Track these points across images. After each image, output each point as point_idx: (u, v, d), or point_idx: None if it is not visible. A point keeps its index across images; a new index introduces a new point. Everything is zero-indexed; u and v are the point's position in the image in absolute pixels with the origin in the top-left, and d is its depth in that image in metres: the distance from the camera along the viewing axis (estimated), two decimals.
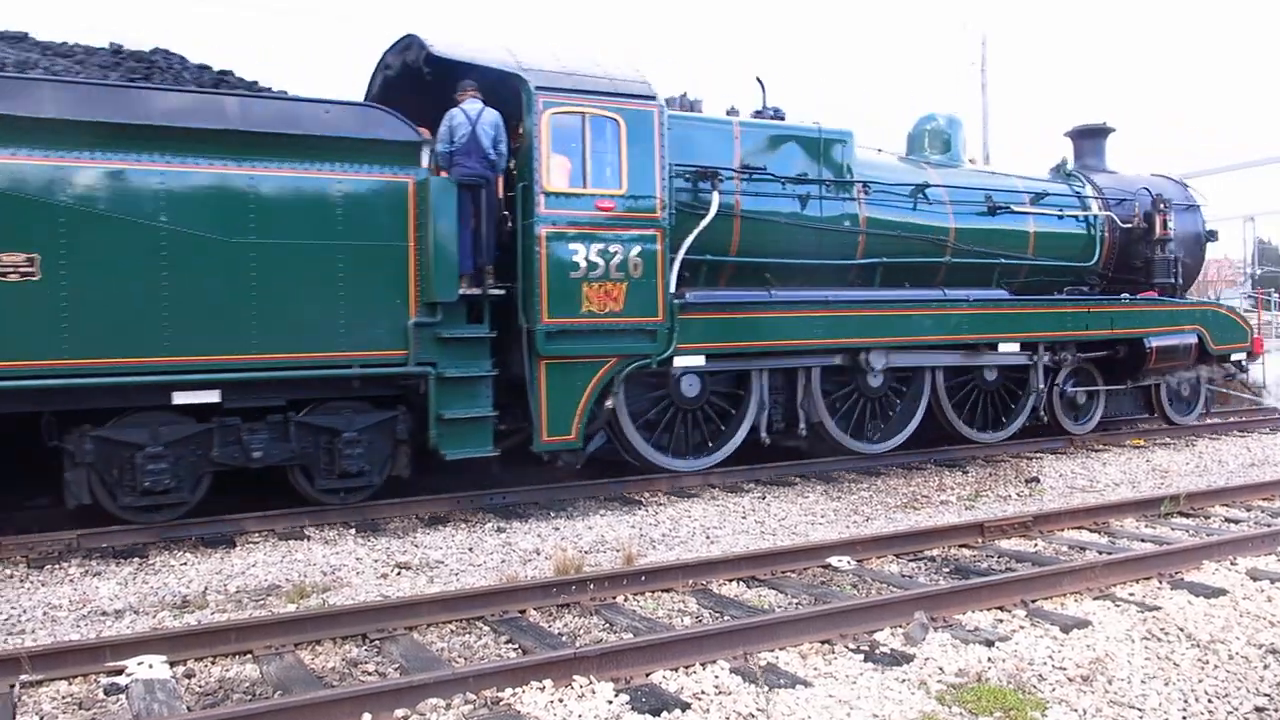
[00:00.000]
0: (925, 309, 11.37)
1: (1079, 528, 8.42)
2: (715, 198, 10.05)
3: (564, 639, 5.66)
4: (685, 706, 4.49)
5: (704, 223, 9.92)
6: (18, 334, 7.42)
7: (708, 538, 8.32)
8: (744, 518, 8.96)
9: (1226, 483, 10.41)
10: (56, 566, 7.33)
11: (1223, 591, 6.21)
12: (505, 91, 9.13)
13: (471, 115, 8.86)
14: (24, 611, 6.36)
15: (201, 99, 8.41)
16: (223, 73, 9.98)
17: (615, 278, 9.18)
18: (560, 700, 4.55)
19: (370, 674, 5.25)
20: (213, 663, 5.39)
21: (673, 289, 9.59)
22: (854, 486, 10.36)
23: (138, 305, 7.73)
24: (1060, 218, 13.10)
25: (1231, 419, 15.51)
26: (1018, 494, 10.15)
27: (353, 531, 8.36)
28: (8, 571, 7.24)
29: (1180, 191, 14.50)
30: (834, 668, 5.01)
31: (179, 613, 6.33)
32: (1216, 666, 5.10)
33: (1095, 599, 6.15)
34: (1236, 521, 8.69)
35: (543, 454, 9.46)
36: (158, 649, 5.31)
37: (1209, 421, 14.94)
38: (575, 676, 4.76)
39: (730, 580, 6.84)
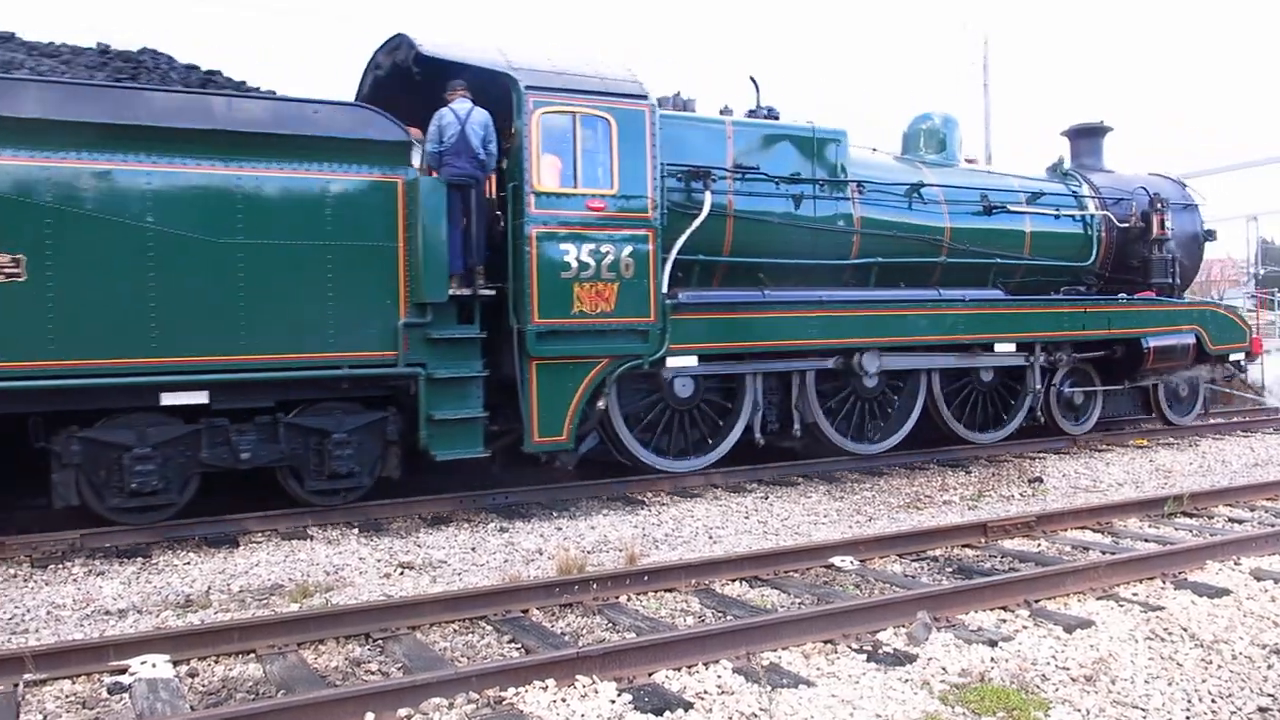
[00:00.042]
0: (920, 309, 11.33)
1: (1082, 528, 8.41)
2: (708, 197, 10.01)
3: (567, 639, 5.66)
4: (688, 706, 4.49)
5: (696, 223, 9.87)
6: (3, 335, 7.39)
7: (710, 538, 8.32)
8: (747, 518, 8.96)
9: (1230, 483, 10.40)
10: (60, 566, 7.34)
11: (1226, 591, 6.20)
12: (496, 91, 9.09)
13: (461, 115, 8.83)
14: (28, 611, 6.37)
15: (188, 99, 8.37)
16: (210, 72, 9.94)
17: (607, 278, 9.15)
18: (563, 700, 4.55)
19: (373, 673, 5.26)
20: (216, 662, 5.40)
21: (665, 289, 9.54)
22: (857, 486, 10.36)
23: (125, 306, 7.69)
24: (1057, 217, 13.06)
25: (1235, 419, 15.49)
26: (1021, 494, 10.14)
27: (355, 531, 8.37)
28: (11, 571, 7.25)
29: (1178, 191, 14.44)
30: (837, 668, 5.00)
31: (182, 612, 6.34)
32: (1220, 667, 5.09)
33: (1098, 599, 6.14)
34: (1240, 521, 8.68)
35: (540, 455, 9.45)
36: (161, 648, 5.31)
37: (1212, 421, 14.93)
38: (578, 676, 4.76)
39: (733, 580, 6.84)
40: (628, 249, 9.24)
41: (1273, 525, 8.32)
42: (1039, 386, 12.31)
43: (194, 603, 6.54)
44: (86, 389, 7.67)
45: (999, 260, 12.43)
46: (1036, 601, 6.04)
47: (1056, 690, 4.75)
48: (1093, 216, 13.37)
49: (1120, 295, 13.08)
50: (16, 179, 7.42)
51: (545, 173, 8.97)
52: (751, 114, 11.28)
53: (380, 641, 5.66)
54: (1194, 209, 14.48)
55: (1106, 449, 12.64)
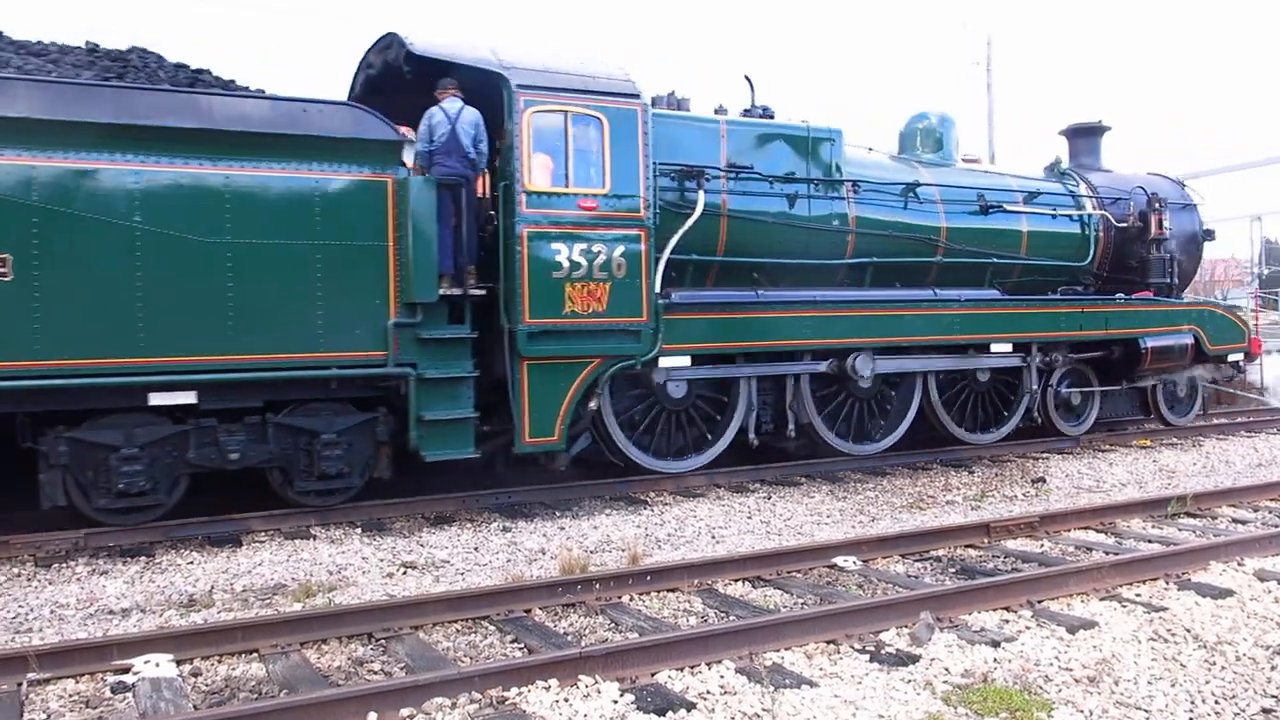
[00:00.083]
0: (916, 309, 11.27)
1: (1085, 528, 8.40)
2: (701, 197, 9.95)
3: (569, 638, 5.66)
4: (690, 706, 4.49)
5: (689, 222, 9.82)
6: None
7: (713, 537, 8.32)
8: (749, 517, 8.95)
9: (1234, 483, 10.39)
10: (64, 565, 7.35)
11: (1230, 592, 6.20)
12: (489, 90, 9.05)
13: (451, 114, 8.80)
14: (31, 610, 6.38)
15: (176, 98, 8.30)
16: (198, 71, 9.89)
17: (599, 278, 9.10)
18: (565, 700, 4.55)
19: (376, 673, 5.26)
20: (219, 661, 5.40)
21: (658, 289, 9.49)
22: (859, 486, 10.35)
23: (112, 306, 7.64)
24: (1054, 217, 12.99)
25: (1239, 419, 15.46)
26: (1024, 494, 10.14)
27: (358, 531, 8.37)
28: (15, 570, 7.26)
29: (1177, 190, 14.36)
30: (839, 668, 5.00)
31: (185, 611, 6.34)
32: (1224, 668, 5.08)
33: (1102, 600, 6.13)
34: (1244, 522, 8.67)
35: (539, 457, 9.41)
36: (164, 648, 5.32)
37: (1216, 422, 14.90)
38: (580, 676, 4.77)
39: (736, 580, 6.84)
40: (620, 249, 9.19)
41: (1277, 526, 8.32)
42: (1036, 387, 12.26)
43: (197, 602, 6.55)
44: (73, 389, 7.62)
45: (995, 260, 12.36)
46: (1040, 602, 6.04)
47: (1059, 691, 4.75)
48: (1090, 216, 13.31)
49: (1118, 295, 13.01)
50: (2, 178, 7.37)
51: (536, 172, 8.92)
52: (746, 113, 11.22)
53: (383, 641, 5.66)
54: (1193, 208, 14.39)
55: (1110, 449, 12.63)
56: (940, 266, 11.98)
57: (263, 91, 9.71)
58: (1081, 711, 4.53)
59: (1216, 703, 4.68)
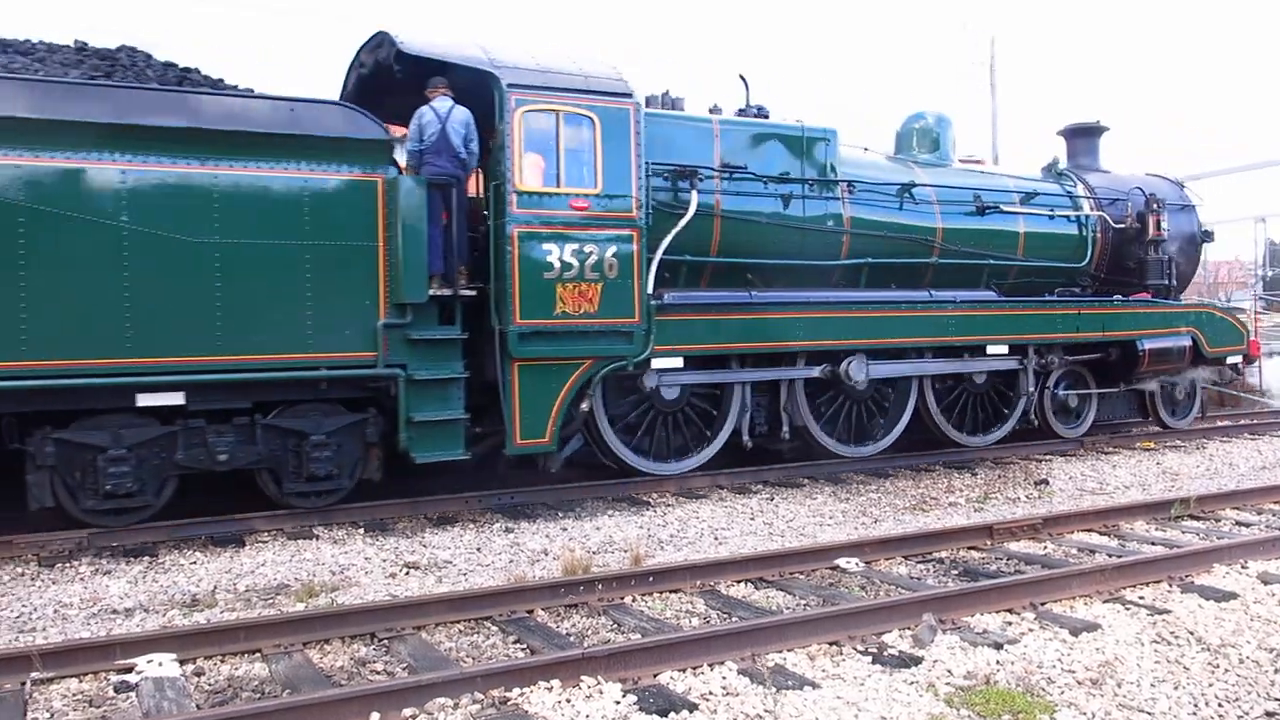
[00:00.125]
0: (911, 310, 11.22)
1: (1088, 530, 8.39)
2: (694, 197, 9.90)
3: (572, 639, 5.67)
4: (693, 707, 4.50)
5: (682, 222, 9.76)
6: None
7: (716, 539, 8.32)
8: (752, 519, 8.95)
9: (1237, 486, 10.36)
10: (67, 565, 7.36)
11: (1233, 595, 6.19)
12: (481, 89, 8.99)
13: (441, 113, 8.76)
14: (35, 609, 6.39)
15: (164, 97, 8.25)
16: (186, 70, 9.84)
17: (590, 278, 9.06)
18: (568, 700, 4.55)
19: (378, 673, 5.26)
20: (222, 661, 5.41)
21: (650, 290, 9.43)
22: (862, 488, 10.35)
23: (99, 306, 7.61)
24: (1051, 218, 12.91)
25: (1242, 421, 15.45)
26: (1027, 496, 10.13)
27: (361, 531, 8.37)
28: (19, 570, 7.28)
29: (1175, 191, 14.28)
30: (842, 669, 5.00)
31: (188, 611, 6.35)
32: (1227, 670, 5.08)
33: (1105, 602, 6.13)
34: (1247, 525, 8.66)
35: (539, 458, 9.39)
36: (167, 647, 5.33)
37: (1220, 424, 14.88)
38: (583, 677, 4.77)
39: (738, 581, 6.84)
40: (611, 249, 9.15)
41: None
42: (1032, 390, 12.21)
43: (200, 602, 6.55)
44: (60, 389, 7.57)
45: (992, 261, 12.29)
46: (1042, 604, 6.04)
47: (1062, 693, 4.74)
48: (1088, 217, 13.23)
49: (1115, 297, 12.96)
50: None
51: (528, 172, 8.88)
52: (741, 113, 11.15)
53: (385, 641, 5.67)
54: (1191, 209, 14.30)
55: (1113, 451, 12.61)
56: (936, 267, 11.92)
57: (252, 91, 9.64)
58: (1084, 714, 4.53)
59: (1220, 705, 4.68)
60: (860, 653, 5.25)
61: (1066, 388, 12.81)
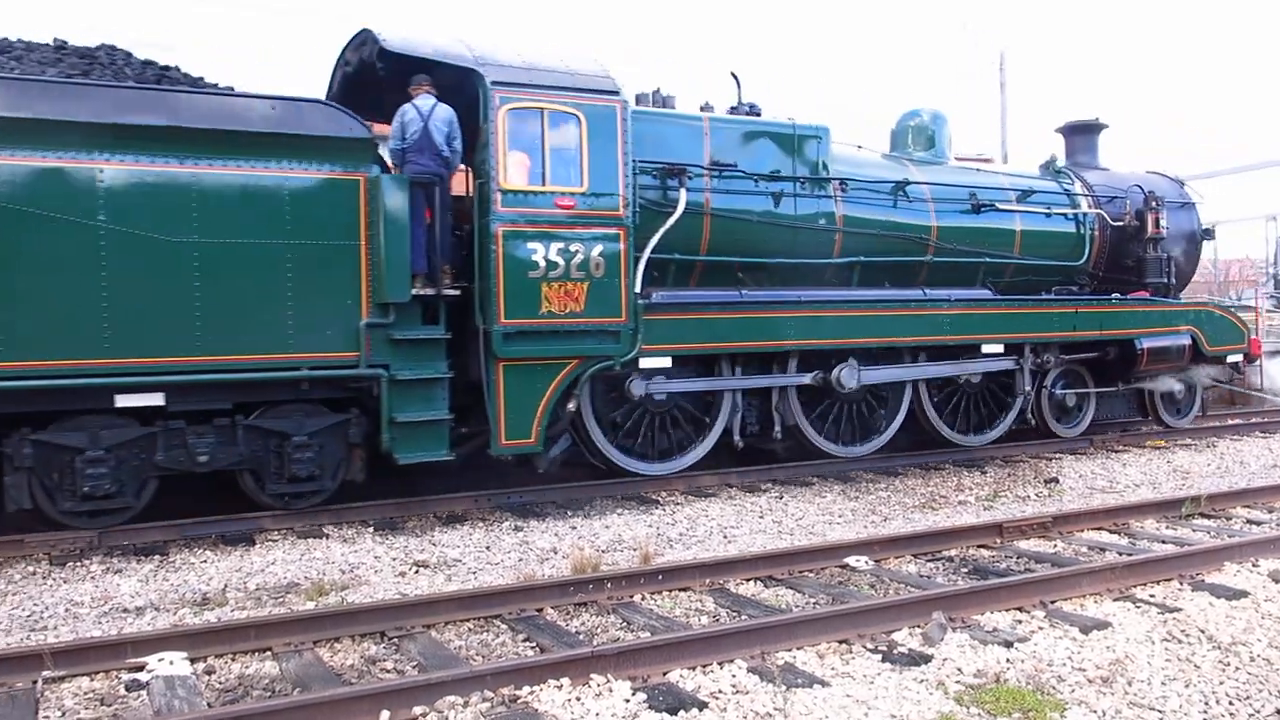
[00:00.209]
0: (904, 309, 11.12)
1: (1099, 528, 8.37)
2: (683, 195, 9.80)
3: (581, 638, 5.67)
4: (702, 705, 4.50)
5: (670, 221, 9.67)
6: None
7: (725, 537, 8.32)
8: (761, 517, 8.95)
9: (1248, 484, 10.33)
10: (78, 564, 7.39)
11: (1244, 593, 6.17)
12: (468, 87, 8.92)
13: (424, 111, 8.70)
14: (46, 608, 6.41)
15: (143, 95, 8.12)
16: (165, 68, 9.77)
17: (576, 277, 8.98)
18: (577, 699, 4.56)
19: (388, 671, 5.28)
20: (233, 659, 5.43)
21: (638, 289, 9.35)
22: (871, 486, 10.34)
23: (77, 306, 7.55)
24: (1048, 215, 12.76)
25: (1254, 420, 15.39)
26: (1037, 494, 10.11)
27: (371, 530, 8.39)
28: (30, 569, 7.31)
29: (1175, 189, 14.14)
30: (852, 668, 5.00)
31: (199, 610, 6.37)
32: (1238, 669, 5.06)
33: (1115, 600, 6.11)
34: (1258, 523, 8.63)
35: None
36: (178, 646, 5.34)
37: (1231, 422, 14.82)
38: (592, 675, 4.77)
39: (747, 580, 6.83)
40: (598, 248, 9.07)
41: None
42: (1029, 389, 12.14)
43: (211, 600, 6.58)
44: (38, 390, 7.50)
45: (987, 260, 12.18)
46: (1052, 602, 6.02)
47: (1072, 691, 4.73)
48: (1085, 215, 13.09)
49: (1113, 295, 12.85)
50: None
51: (512, 170, 8.80)
52: (733, 110, 11.06)
53: (395, 640, 5.68)
54: (1191, 207, 14.16)
55: (1123, 450, 12.58)
56: (931, 266, 11.80)
57: (232, 89, 9.57)
58: (1095, 712, 4.52)
59: (1230, 704, 4.66)
60: (870, 651, 5.24)
61: (1064, 387, 12.73)
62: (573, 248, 8.96)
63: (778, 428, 10.69)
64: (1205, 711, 4.57)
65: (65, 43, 9.70)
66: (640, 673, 4.86)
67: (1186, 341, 12.98)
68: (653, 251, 9.59)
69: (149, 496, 8.18)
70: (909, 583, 6.77)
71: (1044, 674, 4.91)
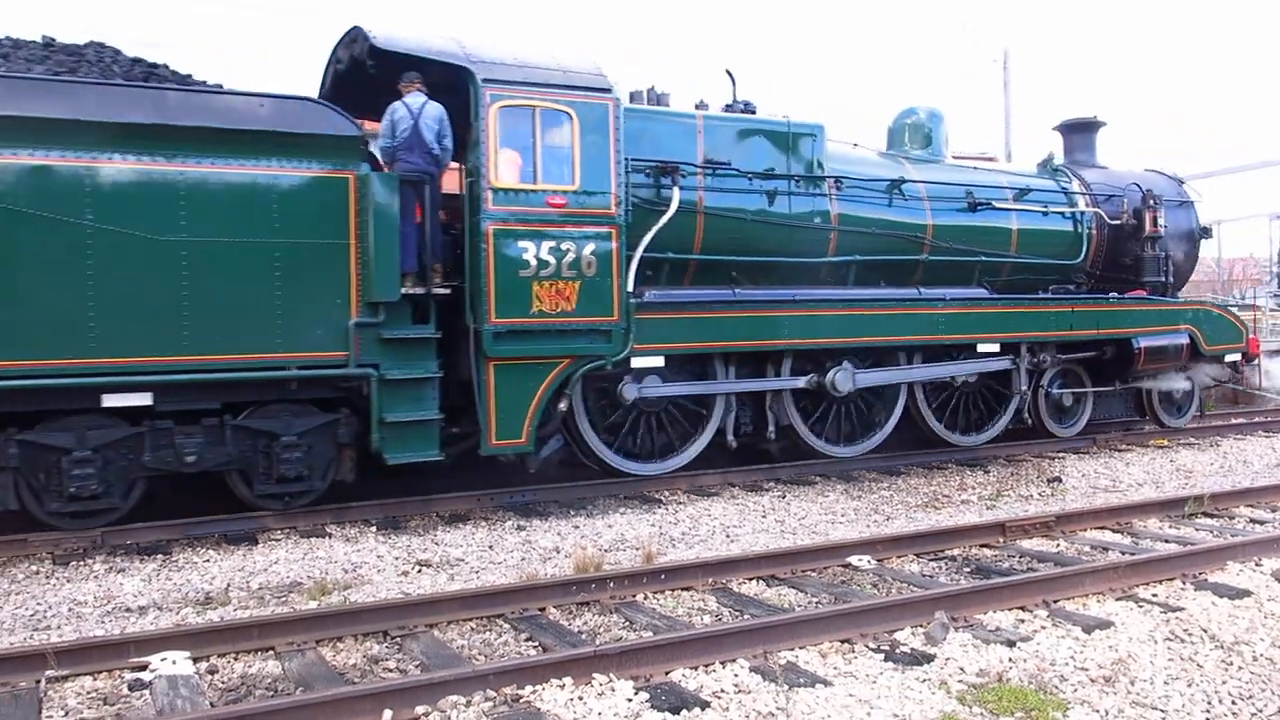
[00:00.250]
0: (899, 308, 11.06)
1: (1101, 528, 8.36)
2: (676, 193, 9.75)
3: (584, 637, 5.67)
4: (705, 705, 4.50)
5: (664, 219, 9.62)
6: None
7: (727, 536, 8.32)
8: (764, 516, 8.95)
9: (1251, 483, 10.32)
10: (81, 563, 7.39)
11: (1247, 593, 6.17)
12: (459, 85, 8.86)
13: (414, 109, 8.65)
14: (49, 608, 6.42)
15: (131, 93, 8.02)
16: (154, 66, 9.73)
17: (567, 276, 8.92)
18: (580, 698, 4.56)
19: (391, 671, 5.28)
20: (235, 659, 5.43)
21: (630, 288, 9.29)
22: (874, 486, 10.33)
23: (63, 305, 7.47)
24: (1045, 214, 12.71)
25: (1257, 419, 15.37)
26: (1039, 494, 10.10)
27: (374, 529, 8.40)
28: (34, 568, 7.32)
29: (1173, 187, 14.09)
30: (854, 667, 5.00)
31: (202, 609, 6.38)
32: (1240, 668, 5.06)
33: (1118, 599, 6.11)
34: (1261, 522, 8.62)
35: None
36: (181, 645, 5.35)
37: (1234, 421, 14.80)
38: (595, 674, 4.78)
39: (750, 579, 6.83)
40: (590, 246, 9.01)
41: None
42: (1025, 388, 12.09)
43: (214, 600, 6.58)
44: (24, 390, 7.42)
45: (984, 258, 12.13)
46: (1055, 602, 6.02)
47: (1075, 691, 4.73)
48: (1083, 213, 13.04)
49: (1111, 294, 12.79)
50: None
51: (503, 168, 8.74)
52: (728, 108, 11.01)
53: (398, 639, 5.68)
54: (1190, 206, 14.09)
55: (1126, 449, 12.57)
56: (926, 265, 11.76)
57: (220, 86, 9.53)
58: (1097, 711, 4.51)
59: (1233, 703, 4.66)
60: (872, 650, 5.24)
61: (1061, 386, 12.70)
62: (564, 246, 8.90)
63: (772, 428, 10.66)
64: (1208, 711, 4.57)
65: (53, 40, 9.66)
66: (643, 672, 4.86)
67: (1184, 341, 12.92)
68: (646, 250, 9.56)
69: (137, 497, 8.13)
70: (912, 582, 6.77)
71: (1046, 673, 4.91)
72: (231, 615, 6.21)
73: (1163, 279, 13.19)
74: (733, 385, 10.37)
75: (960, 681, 4.82)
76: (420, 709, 4.44)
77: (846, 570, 7.10)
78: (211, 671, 5.27)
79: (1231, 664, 5.10)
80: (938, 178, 12.08)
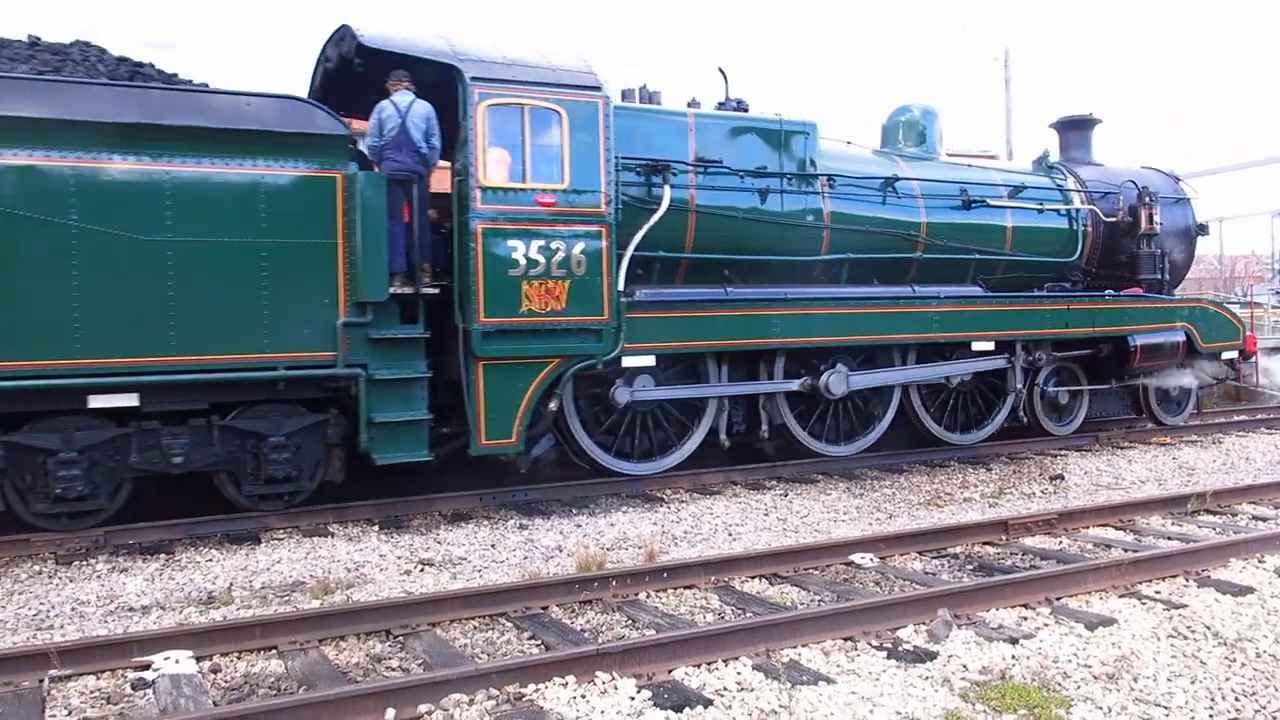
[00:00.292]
0: (893, 306, 11.01)
1: (1104, 525, 8.36)
2: (667, 192, 9.71)
3: (586, 635, 5.67)
4: (708, 703, 4.50)
5: (655, 218, 9.58)
6: None
7: (730, 535, 8.32)
8: (766, 515, 8.95)
9: (1254, 480, 10.32)
10: (84, 563, 7.40)
11: (1250, 590, 6.16)
12: (448, 83, 8.82)
13: (401, 107, 8.60)
14: (53, 607, 6.43)
15: (116, 92, 7.96)
16: (139, 65, 9.70)
17: (557, 275, 8.86)
18: (583, 696, 4.56)
19: (394, 670, 5.28)
20: (238, 658, 5.43)
21: (621, 287, 9.24)
22: (876, 484, 10.33)
23: (48, 306, 7.44)
24: (1040, 211, 12.64)
25: (1259, 416, 15.36)
26: (1042, 491, 10.10)
27: (376, 528, 8.40)
28: (37, 568, 7.32)
29: (1169, 184, 14.00)
30: (857, 665, 5.00)
31: (205, 608, 6.38)
32: (1244, 665, 5.06)
33: (1121, 597, 6.11)
34: (1264, 519, 8.61)
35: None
36: (184, 644, 5.35)
37: (1237, 418, 14.79)
38: (598, 673, 4.78)
39: (753, 577, 6.83)
40: (579, 245, 8.95)
41: None
42: (1021, 386, 12.03)
43: (216, 599, 6.59)
44: (9, 391, 7.39)
45: (978, 256, 12.07)
46: (1058, 599, 6.02)
47: (1078, 688, 4.73)
48: (1078, 211, 12.97)
49: (1106, 292, 12.74)
50: None
51: (492, 167, 8.69)
52: (721, 106, 10.95)
53: (401, 638, 5.69)
54: (1186, 203, 14.01)
55: (1129, 446, 12.56)
56: (920, 263, 11.69)
57: (206, 85, 9.50)
58: (1100, 708, 4.51)
59: (1236, 700, 4.66)
60: (875, 648, 5.24)
61: (1057, 384, 12.67)
62: (554, 245, 8.85)
63: (765, 427, 10.63)
64: (1211, 708, 4.57)
65: (39, 39, 9.64)
66: (645, 670, 4.86)
67: (1180, 338, 12.85)
68: (636, 249, 9.51)
69: (124, 498, 8.10)
70: (914, 580, 6.77)
71: (1049, 671, 4.91)
72: (234, 614, 6.21)
73: (1159, 276, 13.12)
74: (725, 388, 10.33)
75: (963, 679, 4.81)
76: (423, 708, 4.44)
77: (849, 568, 7.10)
78: (214, 671, 5.27)
79: (1234, 661, 5.10)
80: (932, 175, 12.02)
